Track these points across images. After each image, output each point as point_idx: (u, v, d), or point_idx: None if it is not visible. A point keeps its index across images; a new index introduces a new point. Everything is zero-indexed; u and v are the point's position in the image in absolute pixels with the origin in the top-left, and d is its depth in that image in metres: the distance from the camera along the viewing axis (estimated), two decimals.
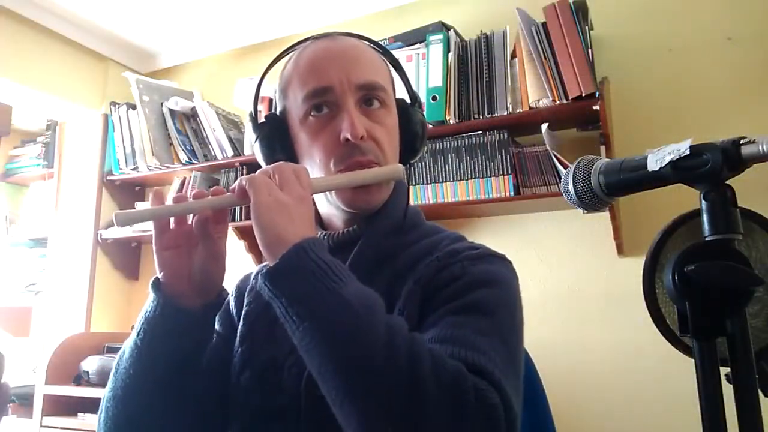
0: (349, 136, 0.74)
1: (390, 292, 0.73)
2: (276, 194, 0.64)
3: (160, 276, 0.73)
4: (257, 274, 0.90)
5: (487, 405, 0.56)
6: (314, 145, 0.78)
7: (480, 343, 0.62)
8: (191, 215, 0.73)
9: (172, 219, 0.73)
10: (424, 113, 0.91)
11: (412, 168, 1.87)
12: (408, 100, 0.87)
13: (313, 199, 0.85)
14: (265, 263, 0.91)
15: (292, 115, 0.81)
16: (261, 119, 0.84)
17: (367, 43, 0.85)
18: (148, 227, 2.56)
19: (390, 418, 0.54)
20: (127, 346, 0.74)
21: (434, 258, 0.76)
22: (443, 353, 0.59)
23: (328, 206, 0.83)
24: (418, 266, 0.75)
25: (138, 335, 0.72)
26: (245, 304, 0.86)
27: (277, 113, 0.85)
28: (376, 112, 0.79)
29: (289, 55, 0.85)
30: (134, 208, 0.72)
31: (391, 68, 0.87)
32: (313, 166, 0.78)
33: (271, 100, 2.05)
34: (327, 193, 0.80)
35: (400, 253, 0.79)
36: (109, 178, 2.59)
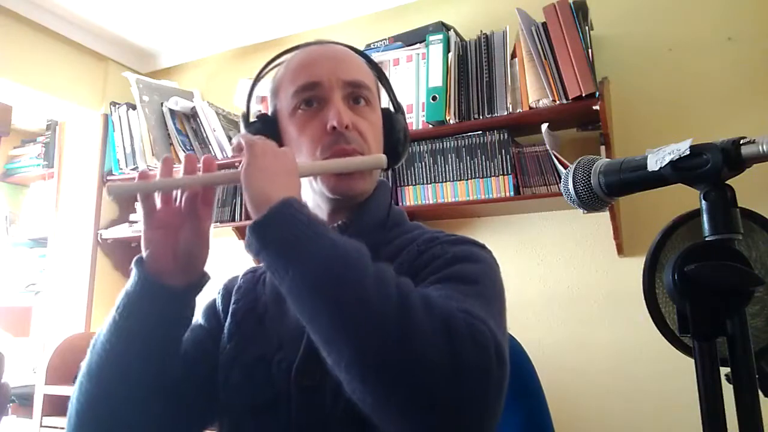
0: (335, 124, 0.78)
1: None
2: (268, 161, 0.69)
3: (144, 254, 0.75)
4: (245, 273, 0.92)
5: (477, 331, 0.57)
6: (302, 136, 0.81)
7: (466, 300, 0.63)
8: (180, 193, 0.76)
9: (158, 200, 0.75)
10: (407, 121, 0.95)
11: (412, 169, 1.88)
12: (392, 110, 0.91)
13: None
14: (254, 266, 0.93)
15: (283, 112, 0.85)
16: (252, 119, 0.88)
17: (355, 52, 0.89)
18: None
19: (382, 347, 0.55)
20: (105, 321, 0.74)
21: (414, 245, 0.78)
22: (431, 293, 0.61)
23: (314, 197, 0.85)
24: (399, 257, 0.78)
25: (117, 310, 0.73)
26: (232, 302, 0.87)
27: (269, 113, 0.88)
28: (362, 109, 0.83)
29: (280, 61, 0.89)
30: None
31: (378, 80, 0.91)
32: (300, 156, 0.81)
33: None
34: (312, 180, 0.82)
35: (382, 248, 0.80)
36: (109, 178, 2.58)
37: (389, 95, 0.93)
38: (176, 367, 0.77)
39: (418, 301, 0.57)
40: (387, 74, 1.05)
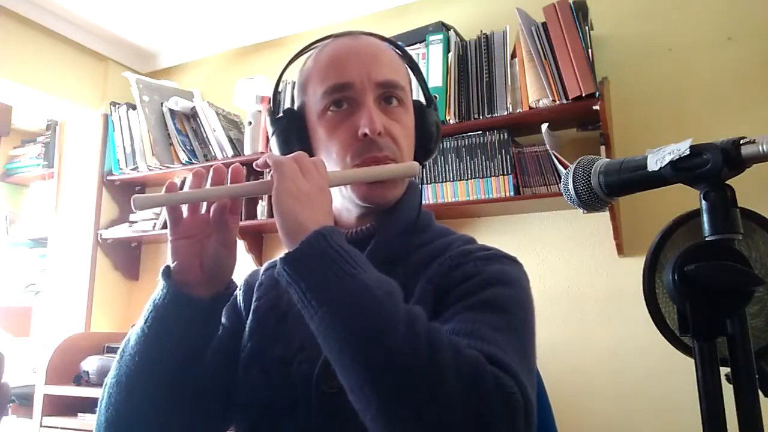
0: (367, 131, 0.75)
1: (403, 290, 0.74)
2: (298, 182, 0.65)
3: (171, 265, 0.73)
4: (267, 269, 0.90)
5: (506, 393, 0.56)
6: (332, 139, 0.79)
7: (495, 338, 0.62)
8: (205, 203, 0.73)
9: (185, 209, 0.73)
10: (439, 115, 0.92)
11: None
12: (424, 102, 0.88)
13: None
14: (273, 260, 0.91)
15: (311, 109, 0.82)
16: (279, 113, 0.85)
17: (387, 43, 0.86)
18: (147, 227, 2.52)
19: (410, 404, 0.54)
20: (133, 332, 0.74)
21: (447, 257, 0.76)
22: (461, 343, 0.59)
23: (342, 201, 0.83)
24: (431, 266, 0.76)
25: (146, 322, 0.72)
26: (254, 299, 0.86)
27: (295, 108, 0.85)
28: (394, 110, 0.80)
29: (309, 52, 0.86)
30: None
31: (409, 70, 0.88)
32: (330, 160, 0.78)
33: (270, 101, 2.04)
34: (342, 187, 0.80)
35: (412, 252, 0.79)
36: (109, 178, 2.59)
37: (422, 87, 0.90)
38: (204, 375, 0.76)
39: (449, 355, 0.56)
40: None
